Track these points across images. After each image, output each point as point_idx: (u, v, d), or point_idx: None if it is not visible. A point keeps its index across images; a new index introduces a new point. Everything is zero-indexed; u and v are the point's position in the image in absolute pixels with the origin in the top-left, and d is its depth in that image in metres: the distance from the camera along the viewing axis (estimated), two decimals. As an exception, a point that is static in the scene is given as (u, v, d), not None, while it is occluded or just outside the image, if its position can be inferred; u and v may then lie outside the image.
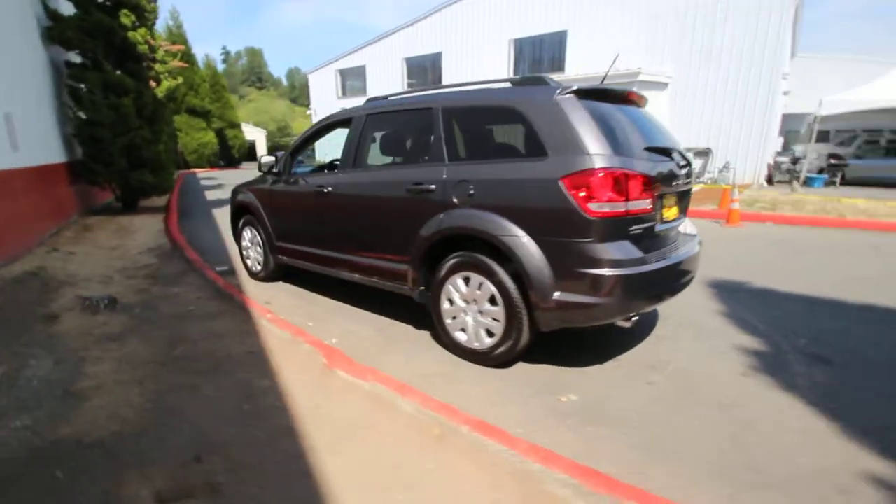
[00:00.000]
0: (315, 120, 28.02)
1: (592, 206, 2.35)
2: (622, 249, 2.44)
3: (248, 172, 29.18)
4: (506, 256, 2.67)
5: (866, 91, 12.44)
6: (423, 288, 3.18)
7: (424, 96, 3.26)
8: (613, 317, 2.51)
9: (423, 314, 3.70)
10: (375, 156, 3.63)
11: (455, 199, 2.84)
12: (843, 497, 1.81)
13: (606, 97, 2.77)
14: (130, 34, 8.76)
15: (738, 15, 13.95)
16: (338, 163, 4.80)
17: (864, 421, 2.29)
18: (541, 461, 1.83)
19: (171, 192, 11.00)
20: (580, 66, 16.82)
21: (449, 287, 2.98)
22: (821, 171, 13.92)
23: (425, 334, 3.47)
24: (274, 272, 4.77)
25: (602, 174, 2.33)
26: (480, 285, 2.80)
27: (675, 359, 3.00)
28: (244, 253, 5.04)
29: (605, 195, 2.34)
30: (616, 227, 2.43)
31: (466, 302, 2.92)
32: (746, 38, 13.94)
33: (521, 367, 2.91)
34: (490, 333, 2.84)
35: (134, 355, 2.99)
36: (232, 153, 31.96)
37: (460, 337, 3.00)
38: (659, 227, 2.72)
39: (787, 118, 16.94)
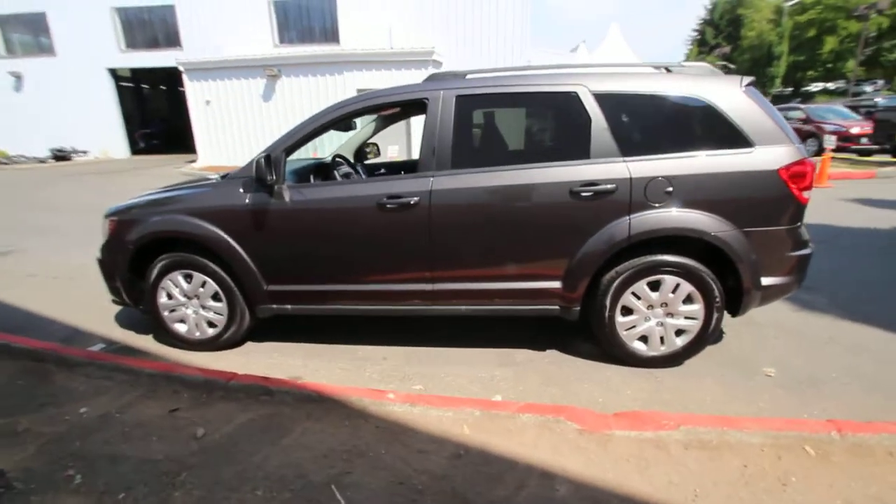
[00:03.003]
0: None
1: (805, 193, 2.52)
2: (806, 231, 2.72)
3: None
4: (703, 252, 2.59)
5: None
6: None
7: (552, 76, 2.68)
8: (791, 292, 2.79)
9: (523, 332, 3.24)
10: (472, 151, 2.79)
11: (649, 199, 2.53)
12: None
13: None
14: None
15: (490, 8, 16.04)
16: (340, 160, 3.55)
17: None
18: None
19: None
20: (356, 40, 16.25)
21: (628, 296, 2.69)
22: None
23: (556, 354, 3.04)
24: (246, 332, 3.18)
25: (809, 164, 2.51)
26: (676, 287, 2.63)
27: (765, 311, 3.36)
28: (167, 314, 3.14)
29: (810, 182, 2.53)
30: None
31: (651, 307, 2.70)
32: (497, 30, 16.24)
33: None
34: (679, 332, 2.74)
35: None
36: None
37: (639, 347, 2.78)
38: None
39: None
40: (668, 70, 2.70)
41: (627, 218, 2.55)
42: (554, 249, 2.67)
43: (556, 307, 2.78)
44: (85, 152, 18.37)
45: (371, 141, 4.40)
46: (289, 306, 3.00)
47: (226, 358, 3.10)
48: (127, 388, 2.67)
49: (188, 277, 3.04)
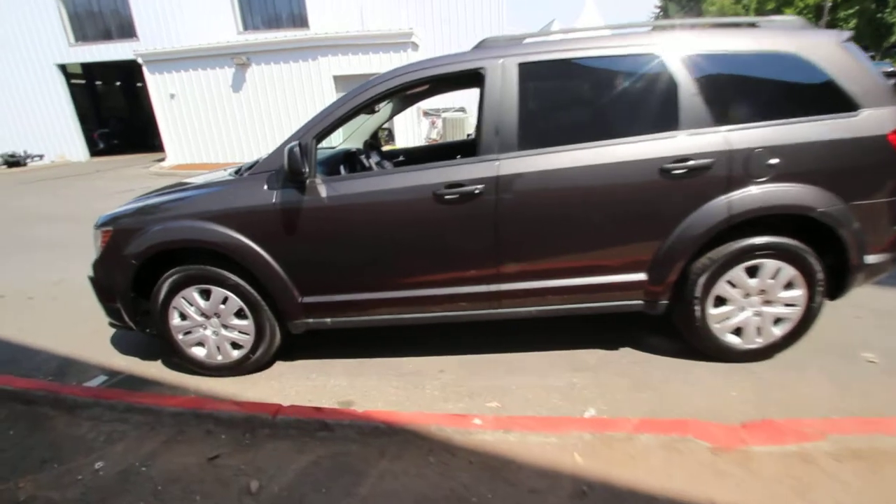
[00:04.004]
0: None
1: (916, 160, 2.25)
2: None
3: None
4: (798, 231, 2.31)
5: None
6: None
7: (628, 36, 2.33)
8: (891, 270, 2.53)
9: (580, 331, 2.93)
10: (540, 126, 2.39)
11: (750, 174, 2.21)
12: None
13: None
14: None
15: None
16: (370, 148, 3.11)
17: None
18: None
19: None
20: (327, 23, 15.45)
21: (722, 285, 2.39)
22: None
23: (631, 353, 2.73)
24: (276, 352, 2.76)
25: (922, 126, 2.24)
26: (777, 272, 2.35)
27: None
28: (182, 337, 2.68)
29: (922, 147, 2.27)
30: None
31: (748, 295, 2.41)
32: (473, 8, 15.70)
33: (775, 347, 2.67)
34: (776, 321, 2.46)
35: None
36: None
37: (733, 341, 2.50)
38: None
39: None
40: (753, 25, 2.38)
41: (726, 196, 2.24)
42: (640, 237, 2.34)
43: (640, 301, 2.46)
44: (40, 157, 17.02)
45: (385, 126, 3.97)
46: (328, 320, 2.59)
47: (256, 384, 2.68)
48: (147, 433, 2.22)
49: (205, 293, 2.58)
